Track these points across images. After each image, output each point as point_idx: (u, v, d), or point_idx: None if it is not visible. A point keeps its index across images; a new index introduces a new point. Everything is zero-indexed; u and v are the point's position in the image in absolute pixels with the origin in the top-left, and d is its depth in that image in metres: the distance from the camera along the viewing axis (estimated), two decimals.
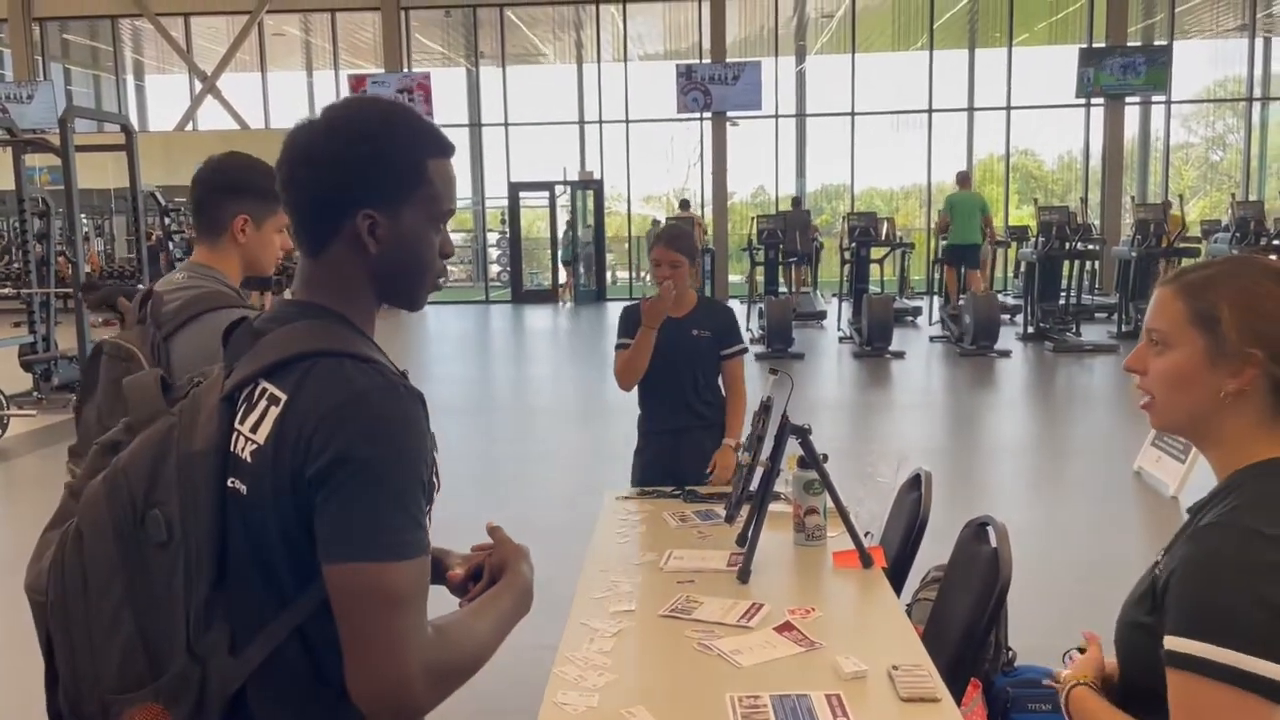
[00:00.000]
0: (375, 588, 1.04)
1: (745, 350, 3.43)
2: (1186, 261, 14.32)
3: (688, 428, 3.28)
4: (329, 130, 1.15)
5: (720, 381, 3.39)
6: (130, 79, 22.22)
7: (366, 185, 1.14)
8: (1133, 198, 17.66)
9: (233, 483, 1.11)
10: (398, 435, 1.07)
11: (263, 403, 1.11)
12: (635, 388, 3.34)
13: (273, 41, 19.77)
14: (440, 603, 1.24)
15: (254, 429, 1.10)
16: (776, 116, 18.66)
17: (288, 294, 1.25)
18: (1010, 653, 2.67)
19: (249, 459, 1.10)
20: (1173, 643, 1.12)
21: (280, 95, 20.06)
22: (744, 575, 2.33)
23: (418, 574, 1.07)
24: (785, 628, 2.06)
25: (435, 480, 1.17)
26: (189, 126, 18.84)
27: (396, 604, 1.04)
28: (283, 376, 1.11)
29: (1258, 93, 19.38)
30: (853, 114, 18.40)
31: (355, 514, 1.05)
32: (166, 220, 14.15)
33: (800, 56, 20.26)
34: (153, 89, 22.63)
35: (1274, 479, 1.17)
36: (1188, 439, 1.29)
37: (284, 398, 1.09)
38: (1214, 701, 1.09)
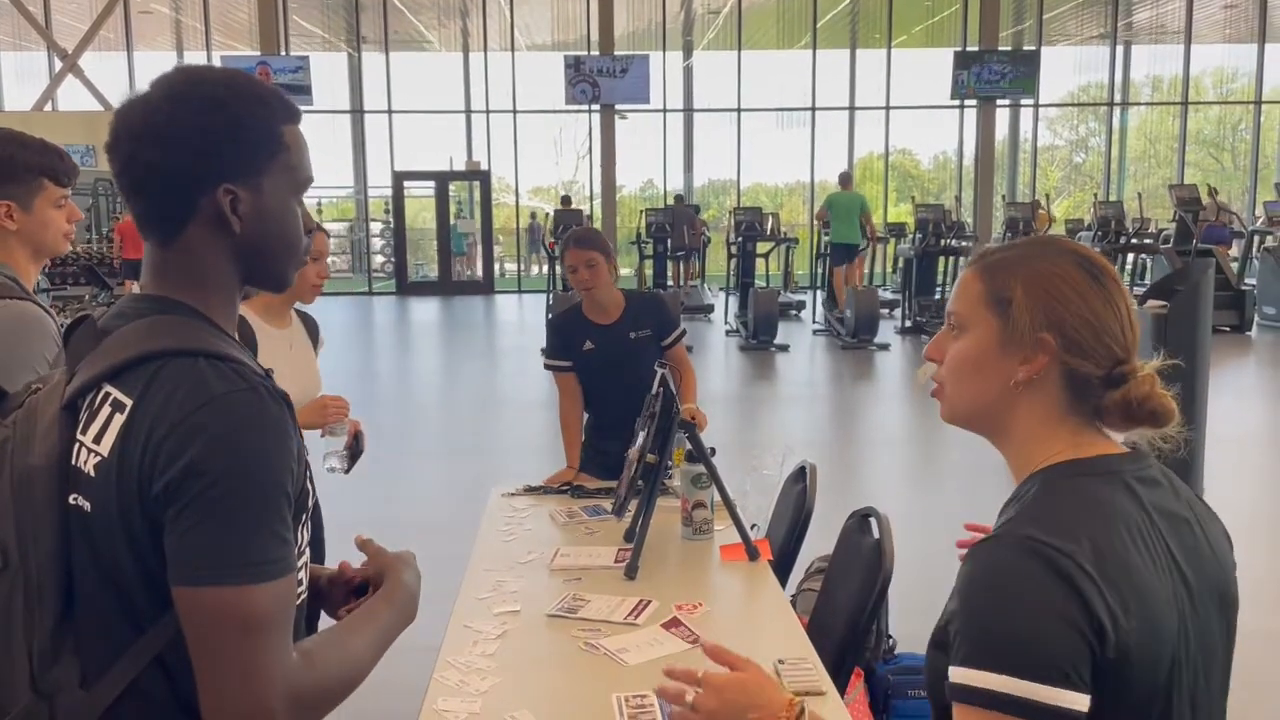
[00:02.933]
0: (231, 614, 0.95)
1: (684, 332, 3.36)
2: None
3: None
4: (172, 101, 1.05)
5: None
6: None
7: (224, 157, 1.05)
8: (1004, 197, 18.39)
9: (75, 499, 1.00)
10: (256, 444, 0.98)
11: (106, 409, 1.00)
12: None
13: (139, 19, 18.81)
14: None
15: (97, 439, 1.00)
16: (665, 111, 18.75)
17: (136, 288, 1.15)
18: (891, 641, 2.73)
19: (92, 472, 0.99)
20: (956, 674, 0.97)
21: (148, 76, 18.81)
22: (631, 571, 2.31)
23: (280, 596, 0.98)
24: (672, 624, 2.05)
25: (310, 486, 1.09)
26: (48, 107, 17.79)
27: (255, 630, 0.95)
28: (128, 380, 1.00)
29: (1118, 98, 20.42)
30: (739, 110, 18.63)
31: (209, 532, 0.95)
32: None
33: (687, 51, 20.40)
34: (8, 66, 21.32)
35: (1062, 486, 1.05)
36: (980, 433, 1.15)
37: (129, 403, 0.99)
38: None
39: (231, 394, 0.98)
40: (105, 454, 0.99)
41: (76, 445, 1.01)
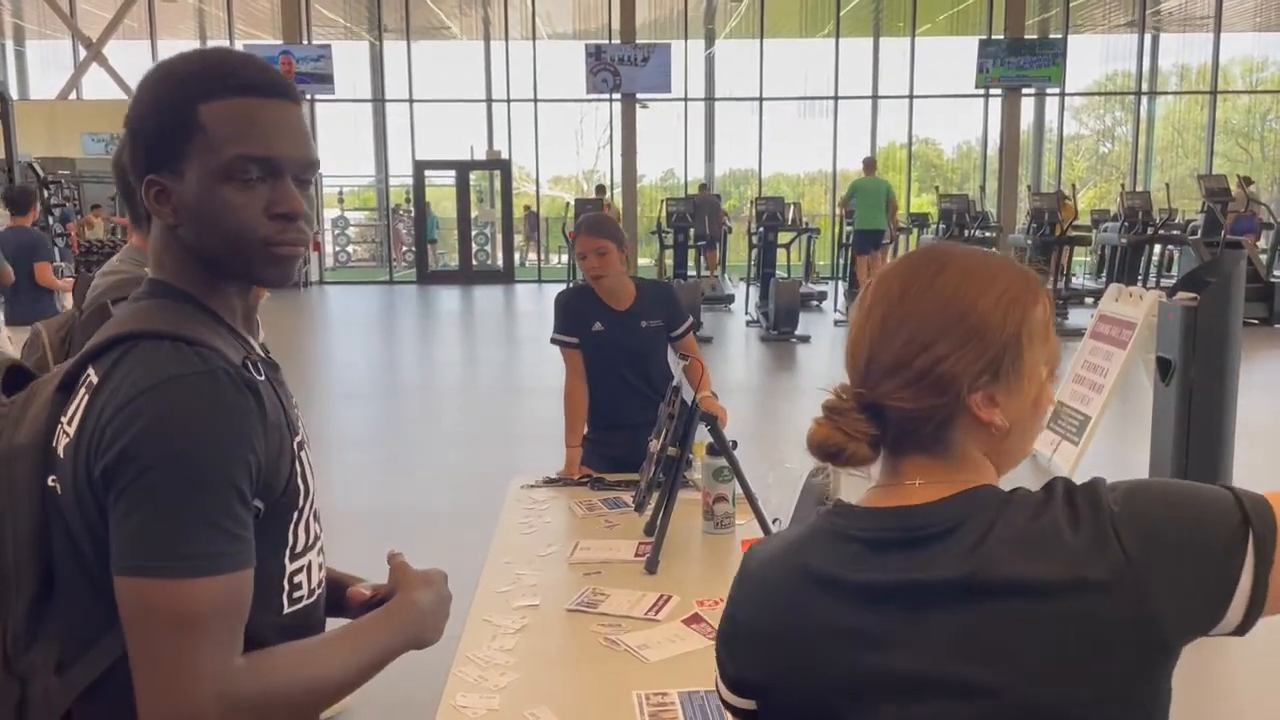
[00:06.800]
0: (161, 607, 0.90)
1: (694, 325, 3.25)
2: (1080, 250, 14.86)
3: (647, 423, 2.86)
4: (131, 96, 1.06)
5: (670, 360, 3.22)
6: (9, 43, 21.06)
7: (143, 147, 1.02)
8: (1029, 187, 18.21)
9: (52, 481, 0.98)
10: (200, 431, 0.93)
11: (81, 390, 0.98)
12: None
13: (163, 8, 18.91)
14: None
15: (71, 420, 0.97)
16: (686, 100, 18.67)
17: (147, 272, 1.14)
18: None
19: (62, 454, 0.97)
20: None
21: None
22: (652, 565, 2.28)
23: (219, 593, 0.92)
24: (694, 620, 2.01)
25: (301, 484, 1.03)
26: (72, 95, 17.91)
27: (186, 626, 0.91)
28: (103, 361, 0.98)
29: (1145, 87, 20.17)
30: (760, 99, 18.53)
31: (141, 521, 0.91)
32: (47, 193, 13.42)
33: (709, 40, 20.30)
34: (33, 54, 21.49)
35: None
36: None
37: (95, 383, 0.97)
38: None
39: (182, 378, 0.94)
40: (72, 434, 0.97)
41: (58, 427, 0.99)
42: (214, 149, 0.99)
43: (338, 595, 1.19)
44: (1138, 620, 0.84)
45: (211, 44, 19.84)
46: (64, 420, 0.99)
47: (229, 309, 1.07)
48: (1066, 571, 0.85)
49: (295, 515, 1.04)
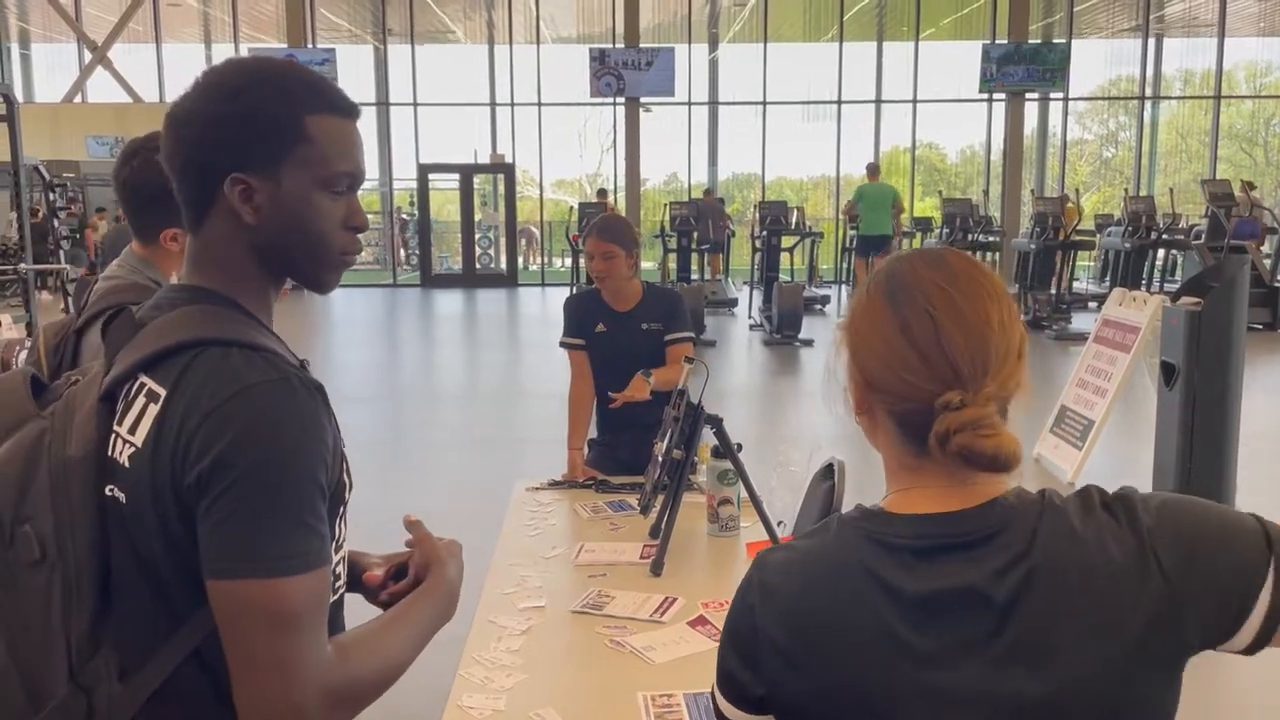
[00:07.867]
0: (260, 607, 0.94)
1: (691, 338, 3.23)
2: (1083, 255, 14.87)
3: (650, 424, 2.86)
4: (196, 88, 1.05)
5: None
6: (15, 47, 21.11)
7: (234, 145, 1.03)
8: (1032, 191, 18.20)
9: (111, 490, 1.00)
10: (287, 436, 0.97)
11: (141, 399, 1.00)
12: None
13: (168, 12, 18.95)
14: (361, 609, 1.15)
15: (132, 430, 0.99)
16: (690, 104, 18.68)
17: (174, 278, 1.15)
18: None
19: (127, 463, 0.99)
20: None
21: (176, 68, 19.24)
22: (657, 568, 2.29)
23: (311, 589, 0.97)
24: (699, 622, 2.02)
25: (347, 479, 1.07)
26: (78, 98, 17.95)
27: (286, 624, 0.95)
28: (163, 370, 1.00)
29: (1149, 91, 20.17)
30: (764, 103, 18.54)
31: (239, 525, 0.94)
32: (52, 196, 13.45)
33: (713, 44, 20.31)
34: (39, 58, 21.55)
35: (826, 529, 1.00)
36: None
37: (163, 393, 0.98)
38: None
39: (263, 384, 0.97)
40: (140, 445, 0.98)
41: (113, 436, 1.01)
42: (318, 161, 1.06)
43: (351, 574, 1.21)
44: (1170, 637, 0.89)
45: (217, 48, 19.94)
46: (119, 429, 1.00)
47: (265, 311, 1.10)
48: (1111, 585, 0.89)
49: (341, 509, 1.07)
